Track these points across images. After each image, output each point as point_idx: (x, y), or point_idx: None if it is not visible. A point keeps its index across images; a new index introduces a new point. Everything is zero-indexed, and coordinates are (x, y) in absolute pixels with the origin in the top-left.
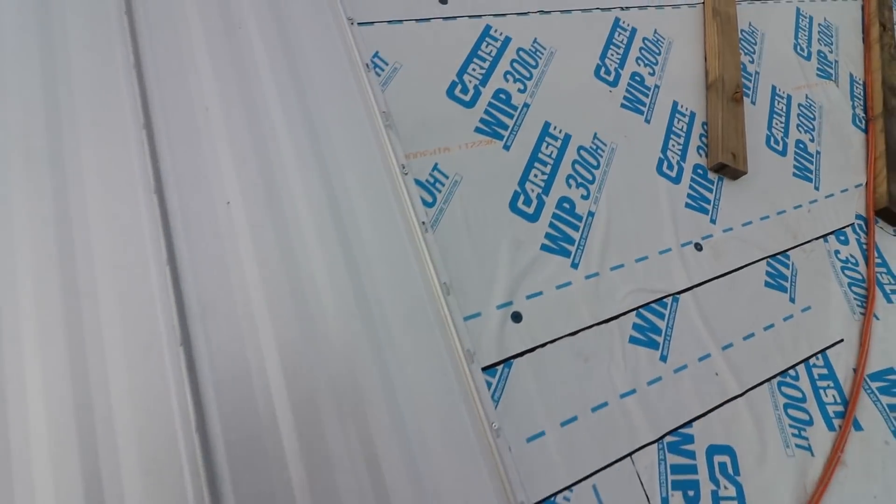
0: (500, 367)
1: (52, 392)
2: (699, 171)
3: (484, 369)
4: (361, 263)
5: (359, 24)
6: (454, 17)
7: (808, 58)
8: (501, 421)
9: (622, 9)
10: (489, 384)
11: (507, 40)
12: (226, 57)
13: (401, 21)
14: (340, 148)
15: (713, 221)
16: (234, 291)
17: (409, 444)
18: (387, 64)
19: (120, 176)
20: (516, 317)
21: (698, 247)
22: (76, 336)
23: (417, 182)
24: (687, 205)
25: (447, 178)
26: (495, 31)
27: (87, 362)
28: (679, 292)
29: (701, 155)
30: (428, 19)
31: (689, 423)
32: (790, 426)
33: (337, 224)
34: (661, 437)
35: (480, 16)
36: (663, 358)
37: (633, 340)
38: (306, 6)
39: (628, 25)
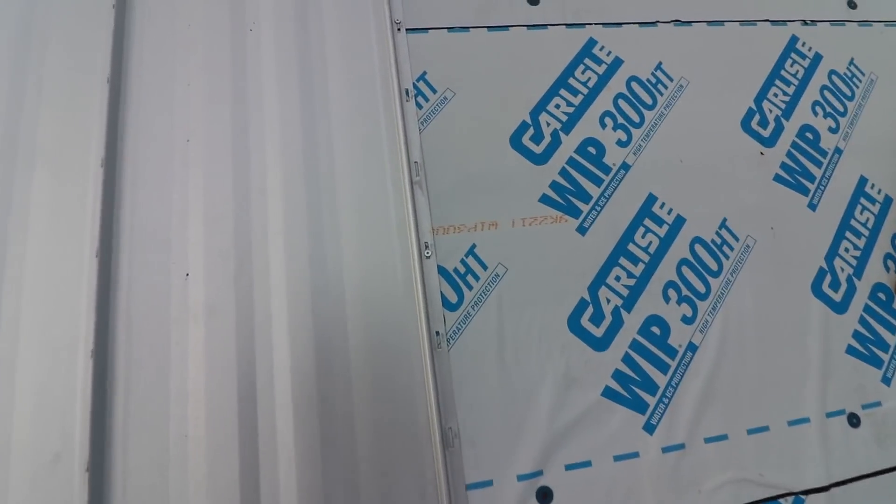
0: None
1: None
2: (880, 294)
3: None
4: (340, 383)
5: (409, 30)
6: (545, 26)
7: None
8: None
9: (805, 23)
10: None
11: (617, 63)
12: (226, 68)
13: (467, 29)
14: (344, 211)
15: (887, 381)
16: (171, 402)
17: None
18: (434, 91)
19: (70, 226)
20: (544, 495)
21: (854, 420)
22: None
23: (442, 271)
24: (850, 349)
25: (486, 269)
26: (601, 48)
27: None
28: (807, 491)
29: (889, 270)
30: (507, 27)
31: None
32: None
33: (317, 324)
34: None
35: (583, 25)
36: None
37: None
38: (341, 2)
39: (810, 50)
